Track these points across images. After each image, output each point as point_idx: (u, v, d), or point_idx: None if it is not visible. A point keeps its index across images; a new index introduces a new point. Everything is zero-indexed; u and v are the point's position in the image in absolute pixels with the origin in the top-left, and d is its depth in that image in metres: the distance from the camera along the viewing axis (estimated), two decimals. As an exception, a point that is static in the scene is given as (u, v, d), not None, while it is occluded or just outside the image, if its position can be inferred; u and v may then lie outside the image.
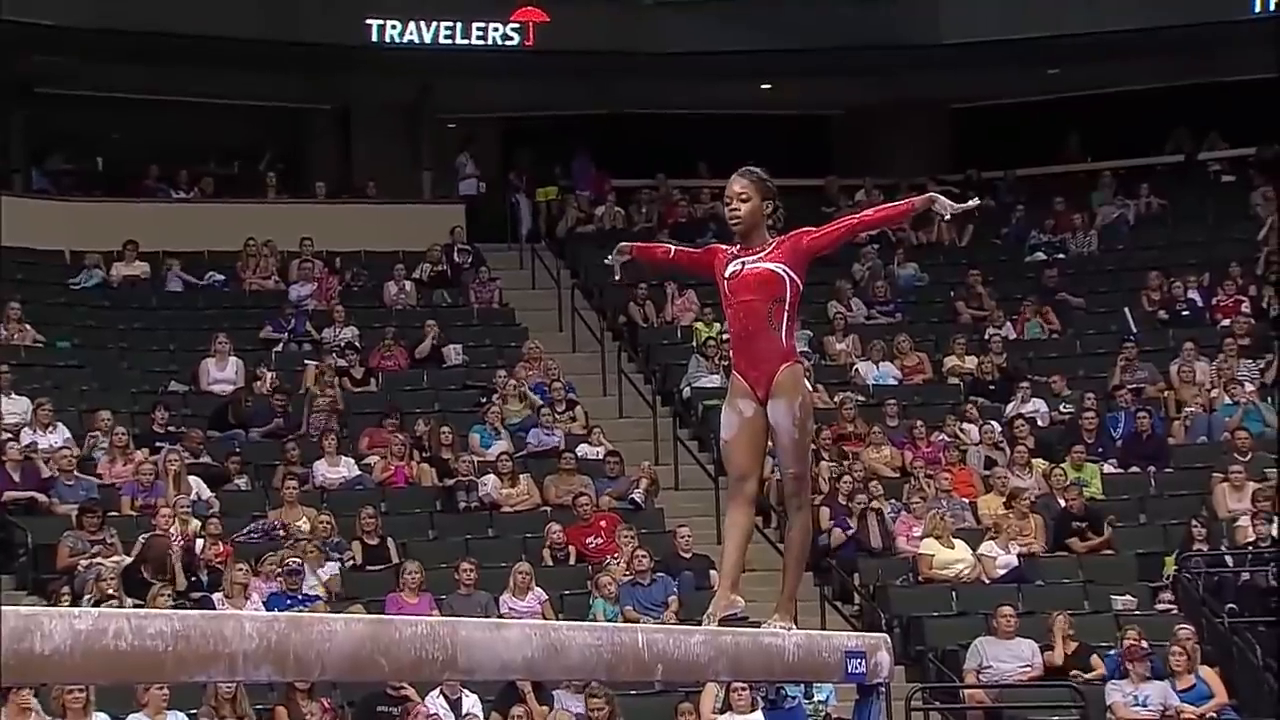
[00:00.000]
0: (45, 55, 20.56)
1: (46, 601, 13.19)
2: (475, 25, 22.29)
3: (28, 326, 18.58)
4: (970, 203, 6.62)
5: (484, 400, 18.22)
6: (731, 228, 6.24)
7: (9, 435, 15.88)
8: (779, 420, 6.02)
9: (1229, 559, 15.73)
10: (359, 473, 16.61)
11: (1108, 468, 17.57)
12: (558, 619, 13.15)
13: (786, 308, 6.07)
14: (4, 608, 4.90)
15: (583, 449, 17.48)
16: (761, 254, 6.13)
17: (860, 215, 6.95)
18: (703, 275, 6.66)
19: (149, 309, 19.83)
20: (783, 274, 6.09)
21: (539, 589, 14.34)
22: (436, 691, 12.57)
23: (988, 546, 15.88)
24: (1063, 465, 17.13)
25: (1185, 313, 20.34)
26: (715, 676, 10.00)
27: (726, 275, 6.12)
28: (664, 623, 13.01)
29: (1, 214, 18.83)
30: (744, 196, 6.26)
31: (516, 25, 22.31)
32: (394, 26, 22.09)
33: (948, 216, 6.38)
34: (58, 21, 19.64)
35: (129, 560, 14.06)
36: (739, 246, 6.18)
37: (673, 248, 6.80)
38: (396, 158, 22.95)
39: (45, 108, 21.57)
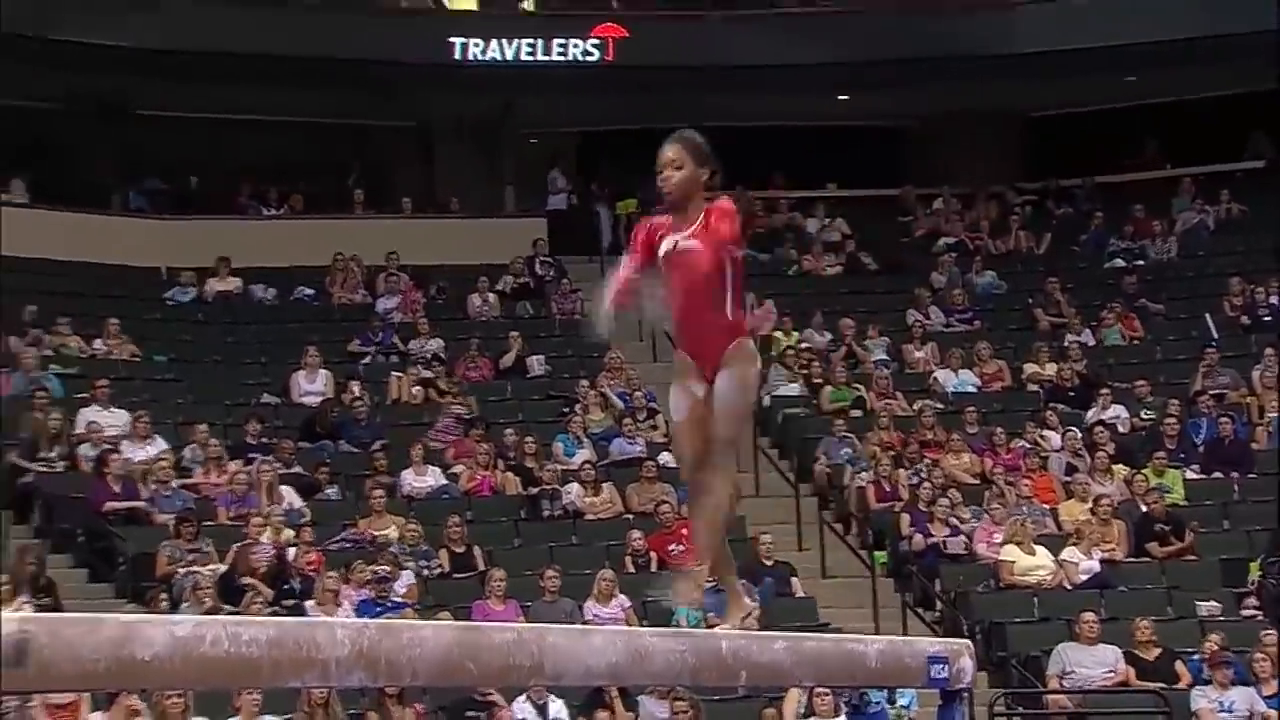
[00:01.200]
0: (141, 78, 20.78)
1: (145, 608, 13.32)
2: (555, 42, 22.38)
3: (126, 341, 18.80)
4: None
5: (567, 410, 18.28)
6: (664, 198, 5.66)
7: (109, 447, 16.07)
8: (721, 386, 5.53)
9: (1317, 564, 15.56)
10: (445, 482, 16.72)
11: (1190, 473, 17.41)
12: (641, 625, 13.16)
13: (728, 280, 5.56)
14: (106, 615, 4.98)
15: (664, 457, 17.46)
16: (693, 228, 5.57)
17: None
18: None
19: (241, 323, 20.04)
20: (722, 254, 5.53)
21: (622, 596, 14.37)
22: (523, 697, 12.60)
23: (1069, 552, 15.77)
24: (1144, 471, 16.98)
25: (1267, 318, 20.12)
26: (798, 682, 10.02)
27: (662, 254, 5.62)
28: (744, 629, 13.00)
29: (99, 232, 19.10)
30: (676, 164, 5.64)
31: (596, 41, 22.39)
32: (476, 45, 22.22)
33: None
34: (154, 46, 19.89)
35: (224, 568, 14.22)
36: (672, 220, 5.64)
37: (632, 269, 5.84)
38: (479, 173, 23.06)
39: (141, 130, 21.82)
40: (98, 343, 18.64)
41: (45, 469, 16.03)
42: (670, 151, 5.67)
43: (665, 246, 5.59)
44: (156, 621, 4.71)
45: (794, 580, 15.79)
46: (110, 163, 21.70)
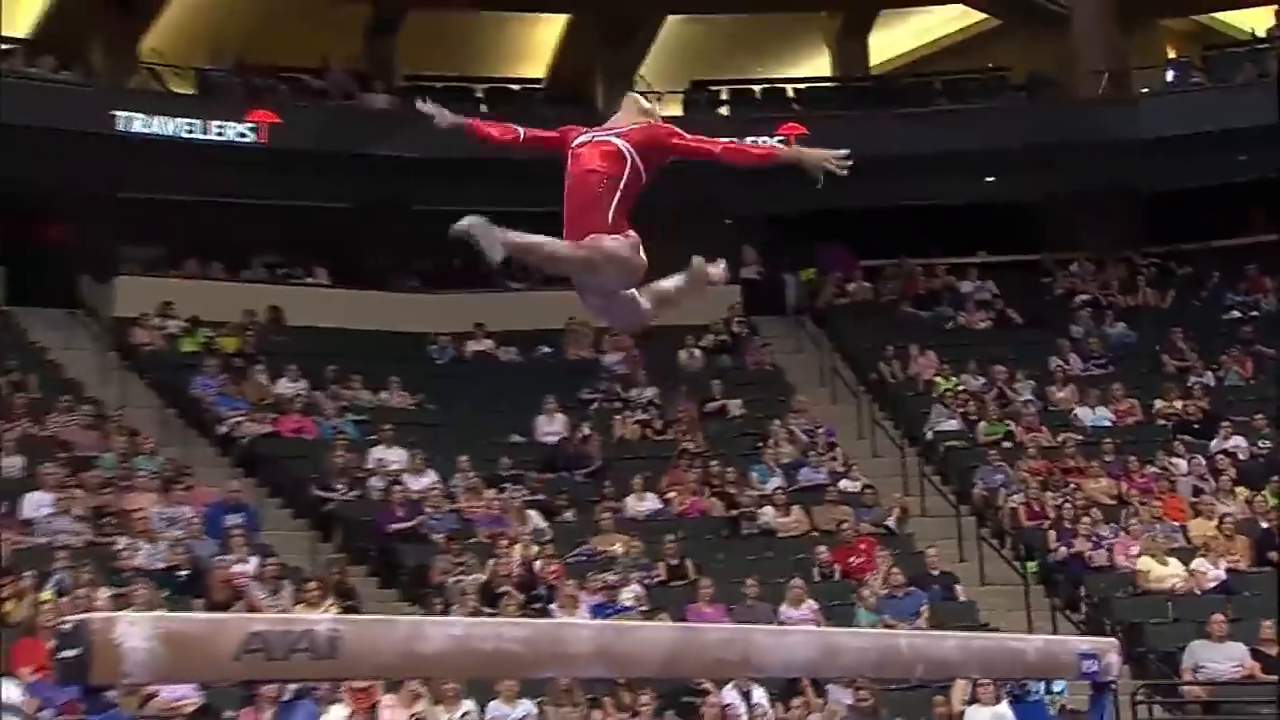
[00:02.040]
0: (416, 181, 21.30)
1: (423, 610, 13.58)
2: (748, 140, 22.43)
3: (404, 394, 19.22)
4: (839, 151, 5.31)
5: (760, 444, 18.30)
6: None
7: (393, 479, 16.45)
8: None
9: None
10: (661, 505, 16.82)
11: (1305, 493, 16.98)
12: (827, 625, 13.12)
13: (620, 190, 5.10)
14: (399, 618, 5.13)
15: (844, 483, 17.45)
16: (616, 131, 5.12)
17: (725, 146, 5.52)
18: (555, 153, 5.31)
19: (493, 377, 20.29)
20: (626, 153, 5.08)
21: (811, 601, 14.34)
22: (731, 685, 12.61)
23: (1198, 563, 15.51)
24: (1263, 492, 16.67)
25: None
26: (967, 675, 9.93)
27: (574, 145, 5.15)
28: (916, 629, 12.90)
29: (380, 306, 19.47)
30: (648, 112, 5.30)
31: (781, 139, 22.45)
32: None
33: (819, 175, 5.30)
34: (426, 155, 20.45)
35: (484, 577, 14.45)
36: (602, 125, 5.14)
37: (522, 131, 5.45)
38: (685, 250, 23.14)
39: (414, 222, 22.33)
40: (382, 395, 19.05)
41: (343, 498, 16.41)
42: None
43: (581, 139, 5.17)
44: (437, 623, 4.85)
45: (957, 587, 15.64)
46: (389, 250, 22.22)
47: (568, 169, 5.06)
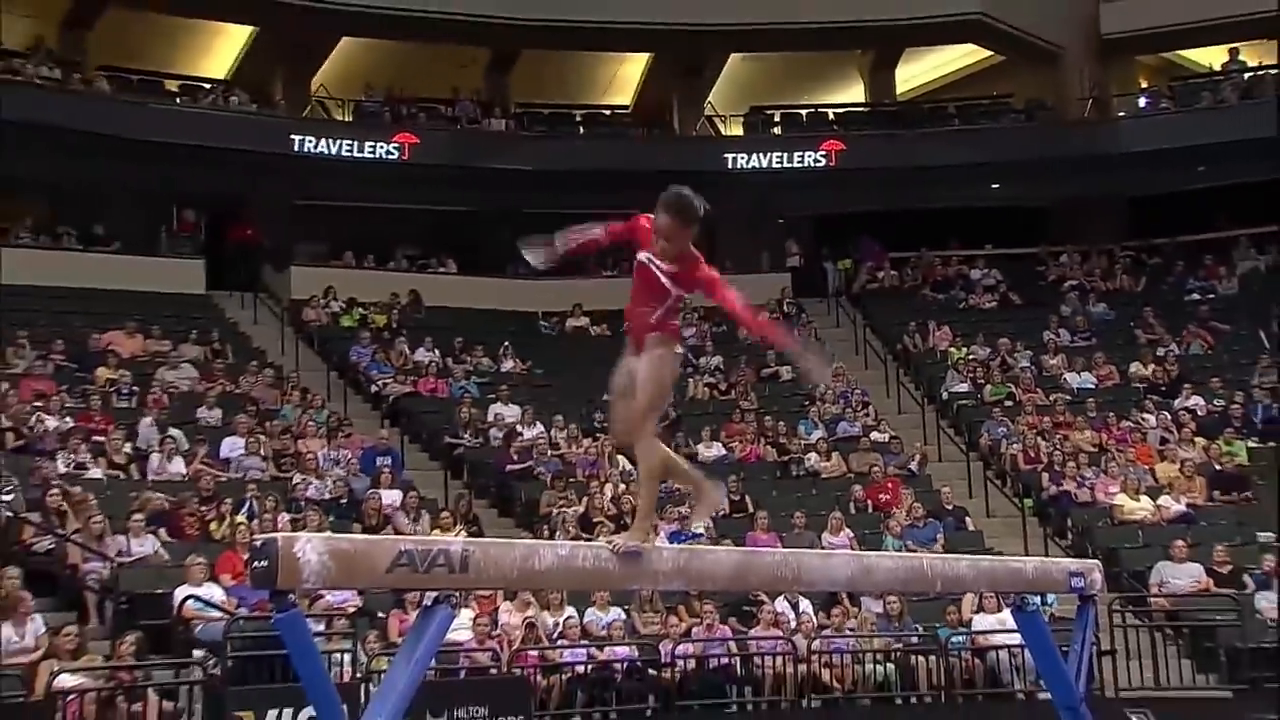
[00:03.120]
0: (528, 189, 21.38)
1: (534, 536, 13.66)
2: (796, 154, 22.31)
3: (517, 361, 19.29)
4: (827, 374, 4.95)
5: (806, 403, 18.21)
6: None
7: (508, 430, 16.53)
8: (637, 366, 4.80)
9: (1343, 504, 14.78)
10: (724, 452, 16.79)
11: (1251, 443, 16.68)
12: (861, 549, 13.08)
13: (664, 308, 4.77)
14: (516, 540, 5.16)
15: (874, 434, 17.33)
16: (668, 266, 4.75)
17: (735, 306, 4.90)
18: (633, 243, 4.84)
19: (589, 348, 19.89)
20: (670, 288, 4.75)
21: (847, 530, 14.28)
22: (782, 597, 12.59)
23: (1164, 499, 15.30)
24: (1218, 441, 16.46)
25: (1305, 333, 19.24)
26: (976, 588, 9.87)
27: (639, 258, 4.81)
28: (934, 553, 12.83)
29: (499, 290, 19.63)
30: (666, 235, 4.71)
31: (823, 153, 22.26)
32: (743, 158, 22.29)
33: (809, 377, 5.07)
34: (536, 168, 20.54)
35: (582, 510, 14.49)
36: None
37: (603, 232, 4.92)
38: (744, 243, 23.03)
39: (527, 222, 22.31)
40: (500, 362, 19.13)
41: (469, 444, 16.53)
42: (661, 220, 4.71)
43: (642, 258, 4.80)
44: (547, 545, 4.87)
45: (967, 519, 15.51)
46: (506, 245, 22.16)
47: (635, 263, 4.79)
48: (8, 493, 11.83)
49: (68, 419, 14.26)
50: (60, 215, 19.81)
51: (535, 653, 11.47)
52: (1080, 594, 6.12)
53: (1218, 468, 15.95)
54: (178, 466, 14.03)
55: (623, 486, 15.14)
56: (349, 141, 20.84)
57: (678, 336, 4.85)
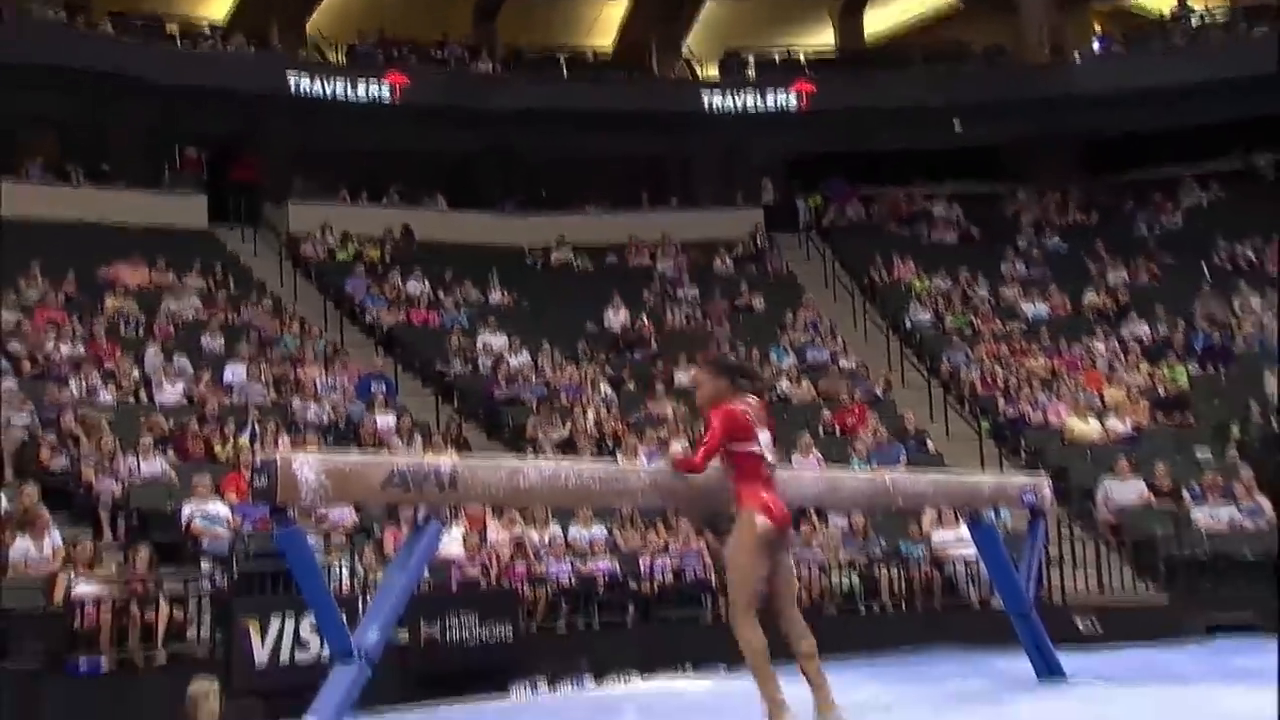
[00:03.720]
0: (518, 130, 21.17)
1: (520, 458, 13.65)
2: (769, 96, 22.11)
3: (504, 292, 19.21)
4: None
5: (778, 332, 18.22)
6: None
7: (496, 358, 16.50)
8: (726, 551, 4.74)
9: (1275, 425, 14.96)
10: (702, 378, 16.78)
11: (1192, 368, 16.78)
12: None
13: (724, 465, 4.73)
14: (503, 459, 5.17)
15: (842, 361, 17.39)
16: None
17: (698, 460, 4.85)
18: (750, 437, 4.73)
19: (573, 280, 20.28)
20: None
21: (816, 452, 14.33)
22: (753, 512, 12.65)
23: (1111, 421, 15.39)
24: (1161, 366, 16.52)
25: (1244, 265, 19.22)
26: (935, 504, 9.94)
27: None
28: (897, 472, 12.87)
29: (487, 225, 19.50)
30: (698, 383, 4.86)
31: (796, 94, 22.07)
32: (718, 99, 22.08)
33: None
34: (526, 107, 20.33)
35: (566, 433, 14.50)
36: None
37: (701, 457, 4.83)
38: (719, 181, 22.93)
39: (514, 160, 22.20)
40: (488, 293, 19.04)
41: (459, 371, 16.50)
42: (695, 371, 4.96)
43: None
44: (531, 464, 4.88)
45: (928, 441, 15.58)
46: (494, 182, 22.13)
47: None
48: (23, 415, 11.80)
49: (79, 347, 14.18)
50: (68, 153, 19.57)
51: (522, 566, 11.54)
52: (1031, 509, 6.19)
53: (1161, 391, 16.06)
54: (184, 391, 13.99)
55: (605, 411, 15.16)
56: (343, 81, 20.58)
57: (755, 502, 4.58)
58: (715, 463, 4.82)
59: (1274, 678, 6.07)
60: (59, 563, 9.57)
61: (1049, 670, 6.03)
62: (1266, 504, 13.39)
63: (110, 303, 15.83)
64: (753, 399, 4.74)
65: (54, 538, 9.83)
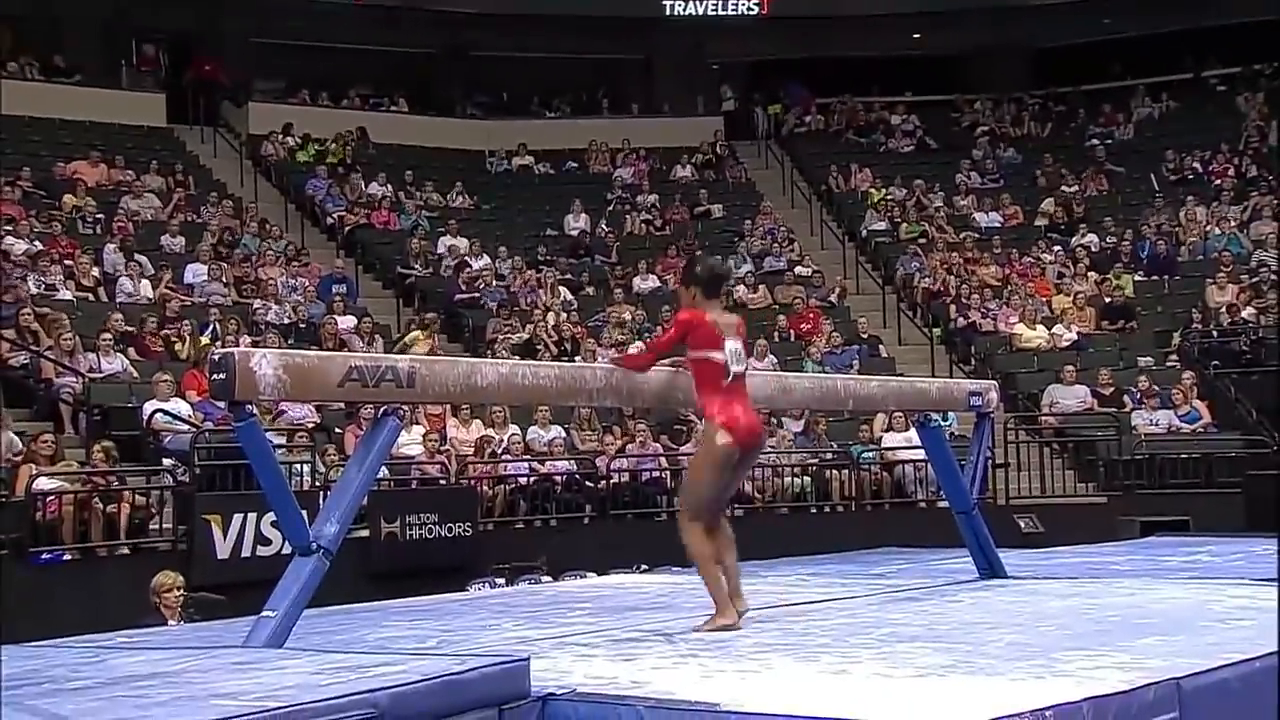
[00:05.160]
0: (477, 31, 20.77)
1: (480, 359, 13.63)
2: (731, 2, 21.70)
3: (465, 197, 19.02)
4: None
5: (736, 239, 18.18)
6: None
7: (457, 261, 16.38)
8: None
9: (1215, 334, 15.14)
10: (659, 284, 16.73)
11: (1138, 277, 16.90)
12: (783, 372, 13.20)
13: (690, 371, 4.60)
14: (460, 359, 5.15)
15: (798, 269, 17.39)
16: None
17: (645, 360, 4.84)
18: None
19: (534, 185, 20.10)
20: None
21: (772, 356, 14.40)
22: (708, 414, 12.72)
23: (1058, 328, 15.55)
24: (1108, 276, 16.56)
25: (1191, 177, 19.22)
26: (885, 408, 10.04)
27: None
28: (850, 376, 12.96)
29: (448, 130, 19.11)
30: (676, 293, 4.83)
31: (756, 1, 21.73)
32: (679, 4, 21.65)
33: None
34: (483, 10, 19.91)
35: (526, 336, 14.49)
36: None
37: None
38: (680, 87, 22.58)
39: (475, 65, 21.80)
40: (449, 197, 18.86)
41: (420, 273, 16.37)
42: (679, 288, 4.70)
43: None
44: (489, 363, 4.84)
45: (880, 346, 15.72)
46: (455, 85, 21.74)
47: None
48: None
49: (36, 243, 13.91)
50: (21, 47, 18.96)
51: (482, 465, 11.58)
52: (978, 412, 6.25)
53: (1107, 300, 16.21)
54: (144, 290, 13.79)
55: (564, 315, 15.13)
56: (303, -20, 20.03)
57: (722, 416, 4.42)
58: (667, 366, 4.77)
59: (1203, 573, 6.23)
60: (13, 460, 9.46)
61: (990, 567, 6.15)
62: (1203, 408, 13.65)
63: (68, 199, 15.50)
64: (731, 317, 4.66)
65: (8, 436, 9.67)
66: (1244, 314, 15.20)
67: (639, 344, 13.39)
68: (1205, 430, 13.48)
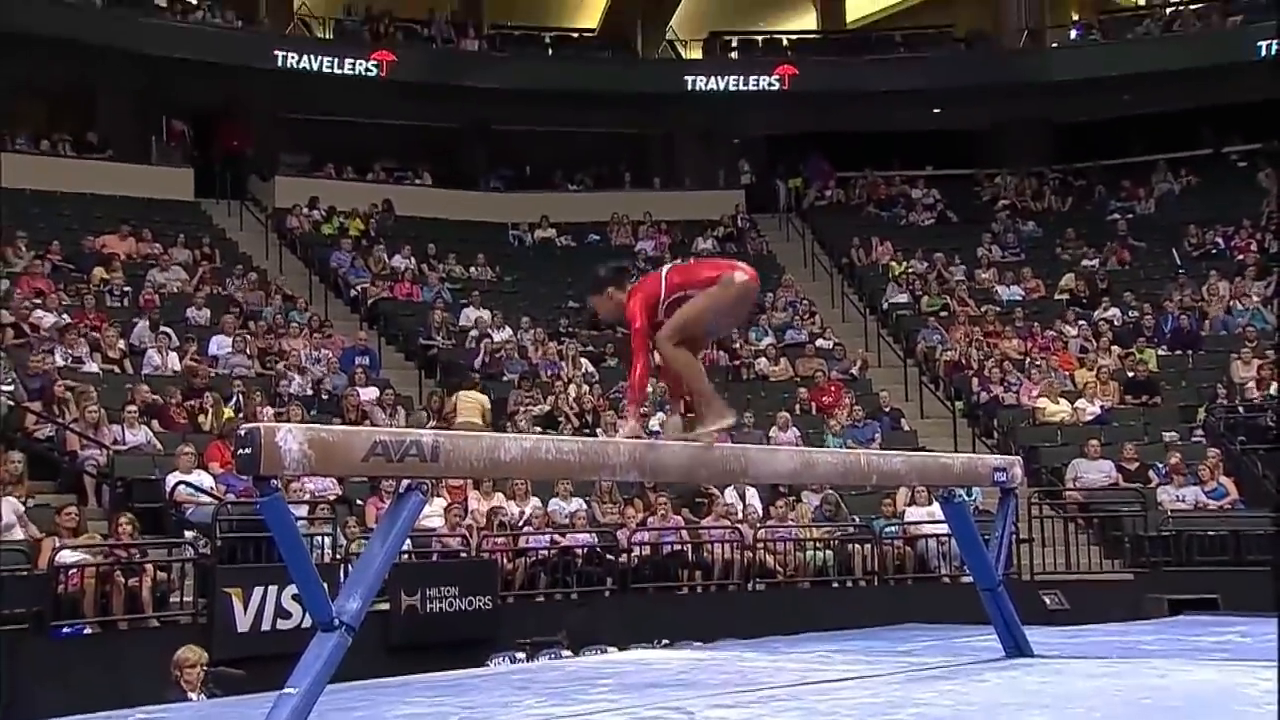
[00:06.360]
0: (500, 107, 21.10)
1: (500, 432, 13.62)
2: (751, 77, 22.03)
3: (488, 268, 19.15)
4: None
5: (758, 311, 18.16)
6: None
7: (480, 333, 16.45)
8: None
9: (1240, 409, 15.05)
10: (682, 355, 16.74)
11: (1161, 351, 16.87)
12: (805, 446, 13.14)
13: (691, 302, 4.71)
14: (484, 433, 5.16)
15: (820, 341, 17.41)
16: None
17: (640, 365, 4.86)
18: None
19: (556, 258, 20.25)
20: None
21: (794, 428, 14.37)
22: (731, 488, 12.67)
23: (1081, 402, 15.47)
24: (1132, 350, 16.57)
25: (1213, 251, 19.28)
26: (909, 483, 9.99)
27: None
28: (872, 450, 12.92)
29: (472, 202, 19.38)
30: (593, 309, 5.09)
31: (778, 77, 21.99)
32: (701, 80, 22.00)
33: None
34: (508, 87, 20.21)
35: (547, 408, 14.49)
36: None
37: (639, 366, 4.87)
38: (702, 161, 22.86)
39: (499, 138, 22.11)
40: (472, 269, 19.00)
41: (442, 345, 16.45)
42: (593, 301, 4.92)
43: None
44: (512, 438, 4.85)
45: (903, 420, 15.66)
46: (478, 158, 22.04)
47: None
48: (8, 383, 11.71)
49: (64, 316, 14.08)
50: (55, 123, 19.38)
51: (502, 538, 11.54)
52: (1002, 487, 6.20)
53: (1130, 374, 16.15)
54: (171, 362, 13.91)
55: (585, 388, 15.15)
56: (329, 58, 20.42)
57: (729, 270, 4.69)
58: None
59: (1234, 654, 6.13)
60: (19, 528, 9.45)
61: (1016, 645, 6.07)
62: (1229, 485, 13.51)
63: (97, 272, 15.71)
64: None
65: (14, 503, 9.66)
66: (1270, 389, 15.10)
67: (660, 415, 13.38)
68: (1233, 506, 13.33)
